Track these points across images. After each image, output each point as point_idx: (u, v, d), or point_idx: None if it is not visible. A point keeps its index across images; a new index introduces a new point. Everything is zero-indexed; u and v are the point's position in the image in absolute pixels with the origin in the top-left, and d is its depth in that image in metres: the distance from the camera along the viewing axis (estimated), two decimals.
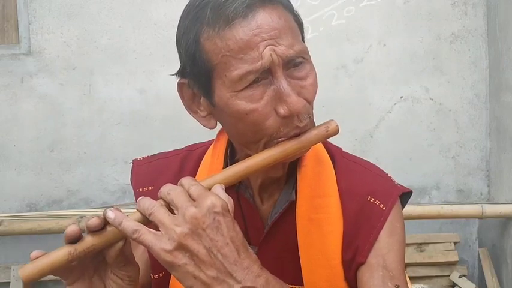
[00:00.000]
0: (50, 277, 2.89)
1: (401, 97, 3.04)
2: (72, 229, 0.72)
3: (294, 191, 0.90)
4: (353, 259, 0.88)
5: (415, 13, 3.01)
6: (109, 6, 3.00)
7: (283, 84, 0.76)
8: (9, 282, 2.84)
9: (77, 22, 3.00)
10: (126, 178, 3.00)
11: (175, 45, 0.84)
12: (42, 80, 3.01)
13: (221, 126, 0.90)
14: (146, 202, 0.70)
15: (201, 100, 0.84)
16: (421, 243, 2.88)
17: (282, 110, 0.77)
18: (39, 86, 3.01)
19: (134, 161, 1.01)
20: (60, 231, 2.67)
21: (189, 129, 2.91)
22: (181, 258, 0.66)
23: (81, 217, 2.72)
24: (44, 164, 3.03)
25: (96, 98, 3.02)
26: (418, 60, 3.02)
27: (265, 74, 0.76)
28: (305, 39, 0.85)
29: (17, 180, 3.03)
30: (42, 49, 3.00)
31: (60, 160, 3.03)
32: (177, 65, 0.86)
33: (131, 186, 0.98)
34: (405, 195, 0.96)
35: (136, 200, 0.90)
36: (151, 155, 1.02)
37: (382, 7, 3.00)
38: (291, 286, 0.89)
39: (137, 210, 0.72)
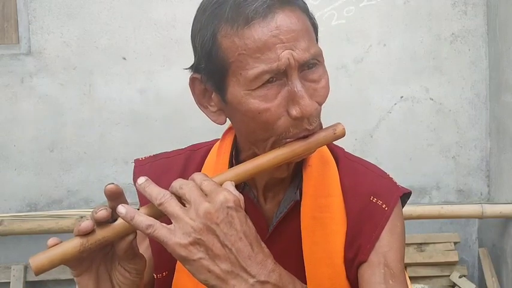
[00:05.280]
0: (50, 277, 2.88)
1: (401, 97, 3.04)
2: (86, 224, 0.71)
3: (298, 191, 0.91)
4: (355, 258, 0.89)
5: (415, 13, 3.01)
6: (109, 6, 3.00)
7: (298, 86, 0.77)
8: (9, 282, 2.84)
9: (77, 22, 3.00)
10: (126, 178, 3.02)
11: (190, 40, 0.84)
12: (42, 80, 3.01)
13: (226, 127, 0.91)
14: (154, 190, 0.71)
15: (213, 96, 0.84)
16: (421, 243, 2.88)
17: (295, 112, 0.77)
18: (39, 86, 3.01)
19: (136, 161, 1.01)
20: (60, 231, 2.67)
21: (189, 129, 2.92)
22: (196, 253, 0.67)
23: (81, 217, 2.72)
24: (44, 164, 3.03)
25: (96, 98, 3.02)
26: (418, 60, 3.02)
27: (280, 75, 0.77)
28: None
29: (17, 180, 3.03)
30: (42, 49, 3.00)
31: (60, 160, 3.03)
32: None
33: (133, 186, 0.98)
34: (405, 196, 0.98)
35: (139, 198, 0.90)
36: (154, 155, 1.02)
37: (382, 7, 3.01)
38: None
39: (138, 190, 0.72)
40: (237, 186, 0.77)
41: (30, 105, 3.01)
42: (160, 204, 0.69)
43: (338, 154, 0.97)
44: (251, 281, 0.68)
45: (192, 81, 0.85)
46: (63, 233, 2.66)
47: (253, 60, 0.76)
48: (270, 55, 0.75)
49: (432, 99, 3.04)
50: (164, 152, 1.03)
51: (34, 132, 3.02)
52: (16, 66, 3.00)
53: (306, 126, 0.79)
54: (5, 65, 3.00)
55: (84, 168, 3.04)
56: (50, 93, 3.01)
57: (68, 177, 3.04)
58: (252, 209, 0.93)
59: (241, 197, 0.71)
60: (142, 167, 0.99)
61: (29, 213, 2.90)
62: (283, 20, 0.76)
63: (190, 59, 0.86)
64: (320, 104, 0.81)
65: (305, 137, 0.80)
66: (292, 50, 0.76)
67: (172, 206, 0.69)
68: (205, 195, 0.69)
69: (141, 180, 0.73)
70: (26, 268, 2.87)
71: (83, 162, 3.04)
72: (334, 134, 0.82)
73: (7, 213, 2.87)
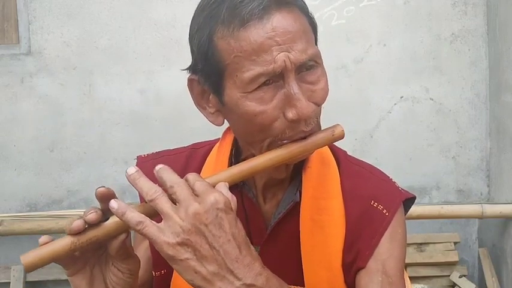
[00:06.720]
0: (51, 277, 2.88)
1: (401, 97, 3.04)
2: (77, 223, 0.72)
3: (298, 192, 0.90)
4: (353, 262, 0.88)
5: (415, 13, 3.01)
6: (109, 6, 3.00)
7: (294, 88, 0.76)
8: (9, 283, 2.84)
9: (77, 22, 3.00)
10: (125, 178, 3.01)
11: (188, 41, 0.83)
12: (42, 80, 3.01)
13: (226, 125, 0.90)
14: (145, 184, 0.70)
15: (210, 97, 0.84)
16: (421, 243, 2.88)
17: (291, 114, 0.76)
18: (39, 86, 3.01)
19: (139, 158, 1.01)
20: (60, 232, 2.67)
21: (189, 130, 2.92)
22: (183, 253, 0.66)
23: (81, 217, 2.72)
24: (44, 164, 3.03)
25: (96, 98, 3.02)
26: (418, 60, 3.02)
27: (277, 77, 0.76)
28: None
29: (17, 180, 3.03)
30: (42, 49, 3.00)
31: (60, 160, 3.03)
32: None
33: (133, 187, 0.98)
34: (408, 201, 0.95)
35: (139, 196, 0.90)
36: (156, 152, 1.02)
37: (382, 7, 3.00)
38: (292, 286, 0.89)
39: (128, 181, 0.71)
40: (235, 185, 0.76)
41: (30, 105, 3.01)
42: (151, 200, 0.68)
43: (340, 156, 0.96)
44: (237, 283, 0.67)
45: (190, 82, 0.85)
46: (63, 233, 2.64)
47: (249, 62, 0.75)
48: (266, 57, 0.74)
49: (432, 99, 3.04)
50: (166, 150, 1.03)
51: (34, 132, 3.02)
52: (16, 66, 3.00)
53: (303, 128, 0.78)
54: (5, 65, 3.00)
55: (84, 168, 3.04)
56: (50, 93, 3.01)
57: (68, 177, 3.04)
58: (250, 208, 0.92)
59: (233, 198, 0.70)
60: (144, 163, 0.99)
61: (29, 213, 2.89)
62: (280, 22, 0.75)
63: (190, 59, 0.85)
64: (318, 105, 0.80)
65: (303, 138, 0.79)
66: (289, 52, 0.75)
67: (163, 204, 0.68)
68: (197, 195, 0.68)
69: (132, 170, 0.71)
70: None
71: (83, 162, 3.04)
72: (333, 135, 0.81)
73: (7, 213, 2.87)
